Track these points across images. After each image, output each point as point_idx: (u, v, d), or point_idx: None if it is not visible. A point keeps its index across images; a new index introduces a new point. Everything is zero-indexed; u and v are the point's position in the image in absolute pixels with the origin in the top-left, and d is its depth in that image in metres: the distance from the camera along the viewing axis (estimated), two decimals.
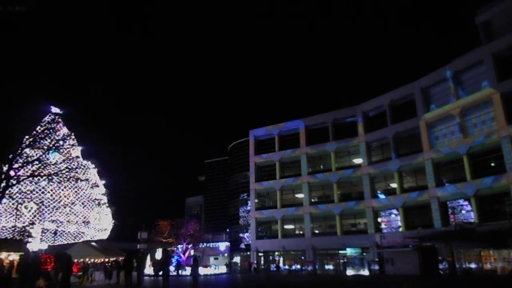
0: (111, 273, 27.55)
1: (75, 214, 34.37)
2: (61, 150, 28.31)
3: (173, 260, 38.60)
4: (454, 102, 38.16)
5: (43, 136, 24.45)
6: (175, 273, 36.01)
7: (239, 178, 76.03)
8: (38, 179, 27.20)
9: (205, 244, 60.61)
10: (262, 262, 52.98)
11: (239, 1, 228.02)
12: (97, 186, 37.24)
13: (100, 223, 37.22)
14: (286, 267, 49.14)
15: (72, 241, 34.13)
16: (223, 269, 57.18)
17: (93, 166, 37.18)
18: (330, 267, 47.69)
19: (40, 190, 32.25)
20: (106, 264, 31.76)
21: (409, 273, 33.67)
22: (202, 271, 40.88)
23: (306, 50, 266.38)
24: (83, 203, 35.16)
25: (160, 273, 30.03)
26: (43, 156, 24.76)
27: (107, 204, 38.16)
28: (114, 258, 30.89)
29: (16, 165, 22.86)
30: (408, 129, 42.85)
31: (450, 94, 38.82)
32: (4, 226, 31.20)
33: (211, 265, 64.09)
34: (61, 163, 26.97)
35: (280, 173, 53.66)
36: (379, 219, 45.46)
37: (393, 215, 44.18)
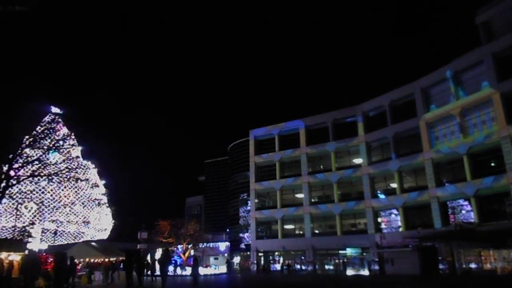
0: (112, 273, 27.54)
1: (75, 214, 34.34)
2: (61, 150, 28.27)
3: (172, 261, 38.57)
4: (454, 102, 38.15)
5: (43, 136, 24.43)
6: (172, 273, 35.97)
7: (239, 178, 76.09)
8: (38, 179, 27.18)
9: (205, 244, 60.62)
10: (262, 262, 52.96)
11: (239, 1, 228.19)
12: (97, 186, 37.21)
13: (100, 223, 37.20)
14: (286, 267, 49.07)
15: (72, 241, 34.13)
16: (223, 269, 57.05)
17: (93, 166, 37.14)
18: (330, 267, 47.68)
19: (40, 190, 32.22)
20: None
21: (409, 273, 33.66)
22: (202, 271, 40.88)
23: (306, 50, 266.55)
24: (83, 203, 35.14)
25: (156, 273, 30.01)
26: (43, 156, 24.74)
27: (107, 204, 38.13)
28: (114, 259, 30.87)
29: (16, 165, 22.84)
30: (408, 129, 42.84)
31: (450, 94, 38.81)
32: (4, 226, 31.17)
33: (211, 265, 64.10)
34: (61, 163, 26.95)
35: (280, 173, 53.64)
36: (379, 219, 45.44)
37: (393, 215, 44.18)
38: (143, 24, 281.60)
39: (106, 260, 29.83)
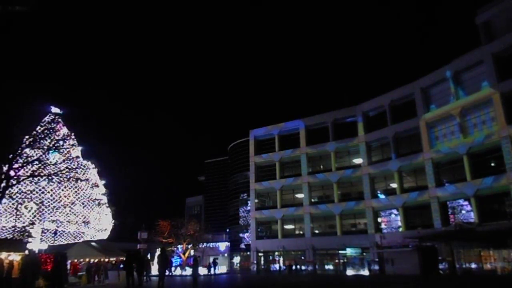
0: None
1: (75, 214, 34.30)
2: (61, 150, 28.22)
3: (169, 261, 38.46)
4: (454, 102, 38.18)
5: (43, 136, 24.37)
6: (169, 274, 35.87)
7: (239, 178, 76.04)
8: (38, 179, 27.15)
9: (205, 244, 60.58)
10: (262, 262, 52.98)
11: (238, 0, 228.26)
12: (97, 186, 37.12)
13: (100, 223, 37.14)
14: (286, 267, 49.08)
15: (72, 241, 34.07)
16: (223, 269, 56.89)
17: (93, 166, 37.09)
18: (330, 267, 47.72)
19: (40, 190, 32.16)
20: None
21: (409, 273, 33.70)
22: (201, 271, 40.83)
23: (306, 50, 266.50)
24: (83, 203, 35.09)
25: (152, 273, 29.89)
26: (43, 156, 24.71)
27: (107, 204, 38.08)
28: (103, 259, 30.68)
29: (16, 165, 22.82)
30: (408, 129, 42.86)
31: (450, 94, 38.84)
32: (4, 226, 31.14)
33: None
34: (61, 163, 26.91)
35: (280, 173, 53.68)
36: (379, 219, 45.48)
37: (393, 215, 44.20)
38: (142, 24, 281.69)
39: (94, 261, 29.73)
